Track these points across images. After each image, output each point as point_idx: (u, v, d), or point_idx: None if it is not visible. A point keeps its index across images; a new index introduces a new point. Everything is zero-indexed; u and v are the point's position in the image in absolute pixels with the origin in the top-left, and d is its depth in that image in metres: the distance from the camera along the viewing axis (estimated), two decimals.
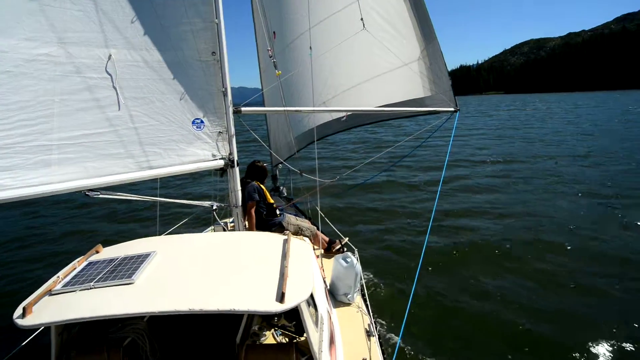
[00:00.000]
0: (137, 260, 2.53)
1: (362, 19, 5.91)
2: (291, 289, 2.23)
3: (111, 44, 3.67)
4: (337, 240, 5.43)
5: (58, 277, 2.44)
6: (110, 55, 3.66)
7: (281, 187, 7.88)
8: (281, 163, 8.06)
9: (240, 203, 4.48)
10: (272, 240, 3.05)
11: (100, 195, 3.41)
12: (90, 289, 2.26)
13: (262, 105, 7.65)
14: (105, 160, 3.59)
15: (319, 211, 4.94)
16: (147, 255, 2.60)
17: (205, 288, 2.26)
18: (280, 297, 2.09)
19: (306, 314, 2.39)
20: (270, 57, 4.76)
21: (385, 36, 6.31)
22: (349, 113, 7.21)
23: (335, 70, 7.03)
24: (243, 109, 4.42)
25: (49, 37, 3.34)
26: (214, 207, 4.26)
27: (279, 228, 4.69)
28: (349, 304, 4.16)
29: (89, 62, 3.56)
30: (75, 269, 2.56)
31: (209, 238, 3.16)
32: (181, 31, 3.98)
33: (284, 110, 5.33)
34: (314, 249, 4.88)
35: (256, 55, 7.85)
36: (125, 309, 2.04)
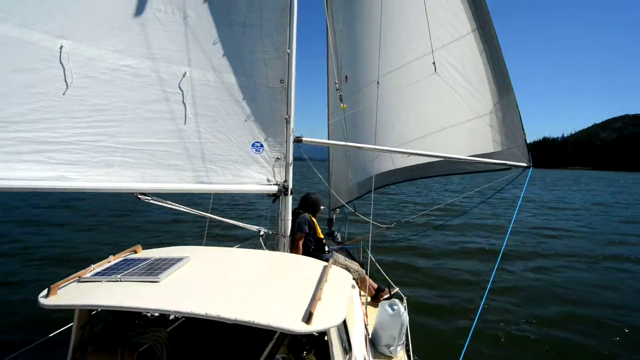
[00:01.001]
0: (169, 263, 2.47)
1: (434, 64, 5.81)
2: (321, 312, 2.01)
3: (189, 62, 3.90)
4: (387, 289, 5.05)
5: (91, 266, 2.45)
6: (185, 73, 3.88)
7: (336, 232, 7.68)
8: (339, 207, 7.94)
9: (288, 233, 4.36)
10: (312, 264, 2.87)
11: (151, 201, 3.48)
12: (117, 281, 2.23)
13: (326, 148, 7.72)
14: (162, 169, 3.70)
15: (369, 254, 4.63)
16: (179, 260, 2.54)
17: (229, 297, 2.12)
18: (307, 318, 1.88)
19: (336, 346, 2.13)
20: (337, 90, 4.78)
21: (457, 88, 6.14)
22: (412, 164, 7.01)
23: (403, 119, 6.92)
24: (304, 138, 4.42)
25: (135, 51, 3.63)
26: (261, 233, 4.18)
27: None
28: (390, 358, 3.74)
29: (165, 77, 3.79)
30: (109, 262, 2.55)
31: (248, 253, 3.05)
32: (255, 58, 4.15)
33: (345, 145, 5.24)
34: (360, 294, 4.57)
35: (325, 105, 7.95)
36: (143, 303, 1.96)
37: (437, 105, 6.46)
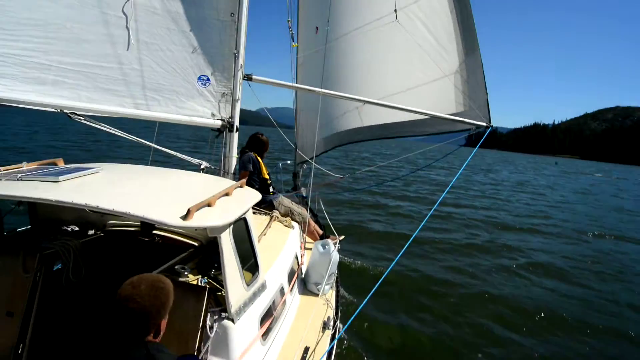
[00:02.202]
0: (77, 170, 2.45)
1: (396, 13, 5.72)
2: (204, 212, 2.03)
3: None
4: (332, 236, 5.14)
5: None
6: None
7: (300, 186, 7.71)
8: (305, 162, 7.94)
9: (232, 170, 4.37)
10: (225, 182, 2.89)
11: (83, 121, 3.43)
12: (16, 179, 2.21)
13: (294, 104, 7.66)
14: (101, 93, 3.64)
15: (318, 199, 4.68)
16: (89, 168, 2.52)
17: (117, 195, 2.12)
18: (186, 214, 1.90)
19: (228, 253, 2.17)
20: (289, 28, 4.70)
21: (426, 46, 6.08)
22: (380, 122, 7.02)
23: (373, 77, 6.87)
24: (254, 76, 4.36)
25: None
26: (202, 167, 4.18)
27: (269, 206, 4.51)
28: (317, 295, 3.84)
29: (109, 0, 3.67)
30: (20, 167, 2.53)
31: (167, 170, 3.04)
32: None
33: (294, 86, 5.20)
34: (303, 238, 4.65)
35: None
36: (24, 193, 1.96)
37: (405, 65, 6.42)
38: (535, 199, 23.10)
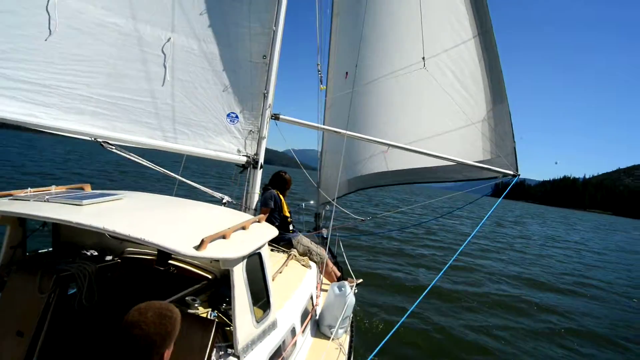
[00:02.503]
0: (102, 196, 2.52)
1: (424, 61, 5.84)
2: (218, 244, 2.03)
3: (174, 28, 4.01)
4: (349, 279, 5.01)
5: (28, 189, 2.52)
6: (170, 38, 3.99)
7: (322, 228, 7.66)
8: (328, 203, 7.93)
9: (253, 207, 4.40)
10: (244, 217, 2.89)
11: (114, 150, 3.56)
12: (43, 201, 2.28)
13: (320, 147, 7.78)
14: (134, 125, 3.81)
15: (337, 240, 4.62)
16: (113, 195, 2.58)
17: (136, 221, 2.15)
18: (200, 244, 1.90)
19: (239, 288, 2.13)
20: (319, 71, 4.84)
21: (453, 94, 6.15)
22: (405, 167, 7.02)
23: (400, 122, 6.94)
24: (282, 116, 4.48)
25: (123, 11, 3.76)
26: (224, 201, 4.22)
27: (287, 244, 4.48)
28: (330, 339, 3.70)
29: (149, 40, 3.91)
30: (49, 190, 2.62)
31: (190, 202, 3.08)
32: (240, 32, 4.25)
33: (319, 127, 5.26)
34: (320, 279, 4.55)
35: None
36: (46, 213, 2.01)
37: (432, 111, 6.48)
38: (570, 255, 22.01)
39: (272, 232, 2.78)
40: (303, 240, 4.61)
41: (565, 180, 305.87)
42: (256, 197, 4.41)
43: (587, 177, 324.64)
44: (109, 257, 2.96)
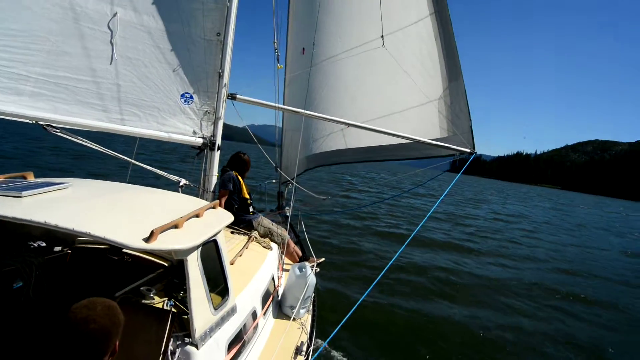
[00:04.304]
0: (45, 185, 2.37)
1: (382, 39, 5.84)
2: (169, 235, 1.97)
3: (120, 3, 3.77)
4: (312, 257, 5.06)
5: None
6: (116, 13, 3.75)
7: (286, 207, 7.65)
8: (290, 182, 7.90)
9: (212, 189, 4.31)
10: (198, 202, 2.82)
11: (59, 134, 3.36)
12: None
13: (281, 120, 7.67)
14: (80, 106, 3.59)
15: (300, 220, 4.63)
16: (57, 184, 2.43)
17: (79, 212, 2.04)
18: (149, 236, 1.83)
19: (193, 275, 2.09)
20: (275, 50, 4.74)
21: (412, 72, 6.19)
22: (363, 145, 7.06)
23: (357, 100, 6.94)
24: (239, 96, 4.36)
25: None
26: (181, 184, 4.10)
27: (248, 226, 4.44)
28: (292, 319, 3.73)
29: (93, 15, 3.66)
30: None
31: (139, 188, 2.96)
32: (192, 8, 4.04)
33: (277, 107, 5.17)
34: (282, 259, 4.57)
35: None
36: None
37: (391, 89, 6.51)
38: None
39: (228, 218, 2.73)
40: (264, 221, 4.59)
41: (518, 156, 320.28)
42: (214, 180, 4.31)
43: (538, 152, 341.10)
44: (58, 248, 2.82)
